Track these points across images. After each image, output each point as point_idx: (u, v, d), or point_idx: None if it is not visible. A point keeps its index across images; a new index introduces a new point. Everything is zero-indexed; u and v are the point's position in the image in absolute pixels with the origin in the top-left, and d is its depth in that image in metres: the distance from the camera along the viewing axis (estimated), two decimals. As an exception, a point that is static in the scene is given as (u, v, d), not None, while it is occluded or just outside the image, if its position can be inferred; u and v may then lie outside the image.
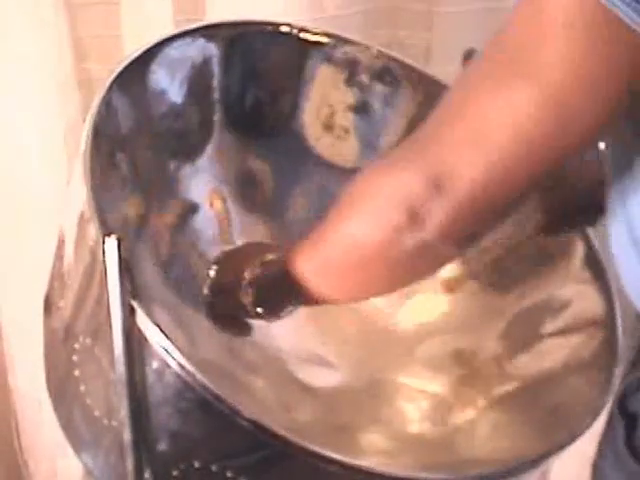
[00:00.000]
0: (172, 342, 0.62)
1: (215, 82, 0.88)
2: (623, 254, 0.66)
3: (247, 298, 0.76)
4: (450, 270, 0.93)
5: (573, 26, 0.55)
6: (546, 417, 0.75)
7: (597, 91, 0.56)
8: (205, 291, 0.81)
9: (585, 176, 0.77)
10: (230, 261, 0.83)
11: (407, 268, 0.67)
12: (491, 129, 0.59)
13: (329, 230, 0.71)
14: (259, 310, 0.77)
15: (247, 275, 0.77)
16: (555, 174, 0.65)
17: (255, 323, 0.82)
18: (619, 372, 0.75)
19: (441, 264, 0.71)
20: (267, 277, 0.77)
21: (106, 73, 0.77)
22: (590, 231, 0.85)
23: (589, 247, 0.85)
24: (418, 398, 0.84)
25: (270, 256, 0.79)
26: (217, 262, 0.83)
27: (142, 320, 0.62)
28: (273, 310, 0.78)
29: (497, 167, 0.59)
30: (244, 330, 0.81)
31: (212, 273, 0.82)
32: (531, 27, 0.57)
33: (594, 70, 0.56)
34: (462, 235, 0.65)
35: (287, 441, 0.61)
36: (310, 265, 0.71)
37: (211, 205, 0.90)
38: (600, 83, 0.56)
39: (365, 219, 0.66)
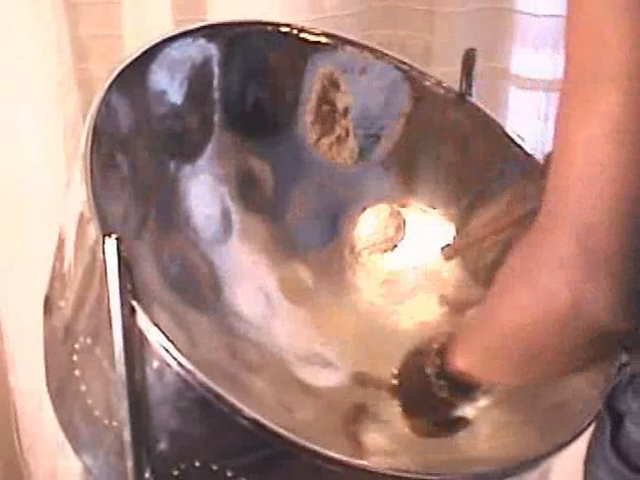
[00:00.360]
0: (172, 342, 0.62)
1: (215, 82, 0.89)
2: None
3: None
4: (450, 270, 0.94)
5: None
6: (546, 417, 0.75)
7: None
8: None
9: None
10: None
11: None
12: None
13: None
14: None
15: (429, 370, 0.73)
16: None
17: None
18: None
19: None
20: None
21: (106, 73, 0.77)
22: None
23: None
24: (418, 398, 0.84)
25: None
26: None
27: (142, 320, 0.62)
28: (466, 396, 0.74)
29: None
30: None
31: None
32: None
33: None
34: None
35: (287, 440, 0.61)
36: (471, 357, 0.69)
37: (211, 205, 0.90)
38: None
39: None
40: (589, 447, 0.74)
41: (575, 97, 0.56)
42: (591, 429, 0.71)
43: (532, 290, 0.59)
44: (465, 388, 0.71)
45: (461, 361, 0.69)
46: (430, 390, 0.72)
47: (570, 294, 0.56)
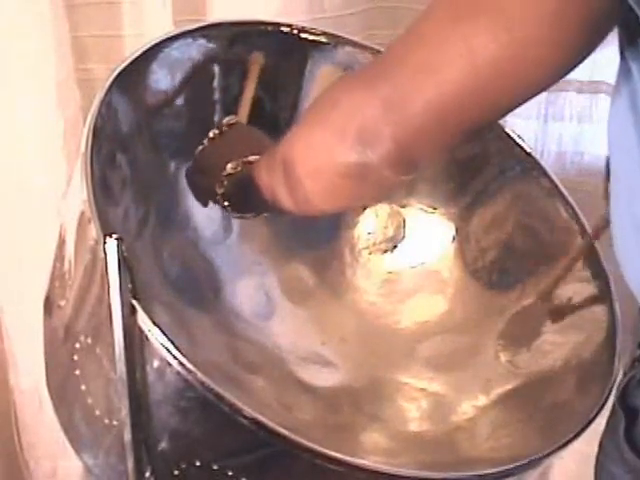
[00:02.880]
0: (172, 341, 0.62)
1: (215, 82, 0.89)
2: (626, 246, 0.66)
3: (220, 189, 0.78)
4: (450, 270, 0.94)
5: None
6: (546, 416, 0.75)
7: (563, 37, 0.56)
8: (191, 164, 0.83)
9: None
10: (220, 145, 0.83)
11: (350, 186, 0.68)
12: (445, 61, 0.59)
13: (291, 139, 0.72)
14: (226, 204, 0.79)
15: (228, 168, 0.78)
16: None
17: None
18: (619, 370, 0.76)
19: (382, 190, 0.71)
20: (239, 177, 0.78)
21: (106, 73, 0.77)
22: (590, 231, 0.86)
23: (589, 246, 0.85)
24: (418, 397, 0.84)
25: (252, 157, 0.79)
26: (210, 140, 0.83)
27: (143, 319, 0.62)
28: (239, 209, 0.80)
29: (448, 98, 0.60)
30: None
31: (201, 148, 0.83)
32: None
33: (560, 14, 0.55)
34: (406, 162, 0.65)
35: (288, 440, 0.61)
36: (271, 173, 0.73)
37: (211, 205, 0.90)
38: (567, 29, 0.56)
39: (321, 130, 0.68)
40: (601, 442, 0.74)
41: (456, 10, 0.59)
42: (591, 428, 0.72)
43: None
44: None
45: (264, 175, 0.74)
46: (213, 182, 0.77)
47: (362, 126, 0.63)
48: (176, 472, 0.66)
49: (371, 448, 0.78)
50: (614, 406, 0.73)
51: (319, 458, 0.61)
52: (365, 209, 0.96)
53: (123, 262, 0.61)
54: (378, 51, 0.94)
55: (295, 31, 0.92)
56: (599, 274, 0.83)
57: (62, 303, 0.74)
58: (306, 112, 0.73)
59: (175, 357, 0.62)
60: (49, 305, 0.78)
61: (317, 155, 0.69)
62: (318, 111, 0.70)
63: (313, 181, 0.70)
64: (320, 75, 0.92)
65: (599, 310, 0.82)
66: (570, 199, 0.88)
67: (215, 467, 0.64)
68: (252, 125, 0.88)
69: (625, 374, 0.74)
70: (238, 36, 0.88)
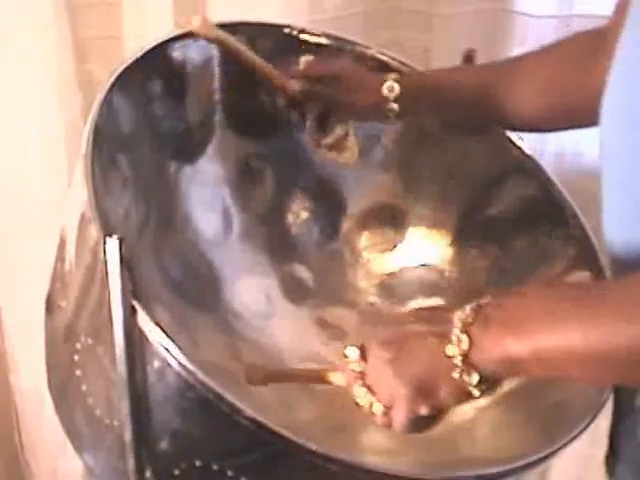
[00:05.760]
0: (173, 341, 0.62)
1: (216, 82, 0.89)
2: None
3: None
4: (450, 270, 0.94)
5: None
6: (546, 416, 0.75)
7: None
8: None
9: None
10: None
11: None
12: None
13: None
14: None
15: None
16: None
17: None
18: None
19: None
20: None
21: (107, 74, 0.77)
22: (590, 231, 0.86)
23: (588, 246, 0.85)
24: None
25: None
26: None
27: (143, 320, 0.63)
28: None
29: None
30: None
31: None
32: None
33: None
34: None
35: (288, 440, 0.61)
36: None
37: (212, 205, 0.91)
38: None
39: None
40: (610, 444, 0.73)
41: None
42: (590, 428, 0.71)
43: None
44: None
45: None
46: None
47: None
48: (176, 472, 0.66)
49: (371, 448, 0.78)
50: (620, 404, 0.72)
51: (319, 458, 0.61)
52: (365, 209, 0.97)
53: (124, 262, 0.61)
54: (378, 51, 0.94)
55: (295, 31, 0.92)
56: (598, 274, 0.83)
57: (63, 303, 0.74)
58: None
59: (175, 357, 0.62)
60: (50, 305, 0.78)
61: None
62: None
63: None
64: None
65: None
66: (570, 199, 0.89)
67: (215, 467, 0.64)
68: (250, 124, 0.89)
69: None
70: (238, 36, 0.88)
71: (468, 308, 0.60)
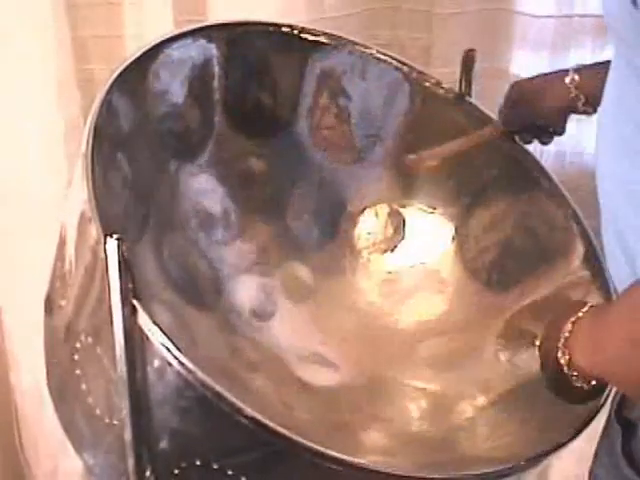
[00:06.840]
0: (173, 341, 0.62)
1: (216, 82, 0.89)
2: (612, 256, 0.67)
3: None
4: (450, 270, 0.94)
5: None
6: (545, 415, 0.75)
7: None
8: None
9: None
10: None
11: None
12: None
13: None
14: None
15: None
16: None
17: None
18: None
19: None
20: None
21: (107, 74, 0.77)
22: (590, 231, 0.86)
23: (588, 246, 0.85)
24: (418, 397, 0.84)
25: None
26: None
27: (143, 319, 0.63)
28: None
29: None
30: None
31: None
32: None
33: None
34: None
35: (288, 439, 0.61)
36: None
37: (212, 205, 0.91)
38: None
39: None
40: (596, 454, 0.74)
41: None
42: (590, 428, 0.72)
43: None
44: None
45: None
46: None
47: None
48: (176, 471, 0.66)
49: (371, 448, 0.78)
50: (610, 417, 0.72)
51: (319, 458, 0.61)
52: (365, 209, 0.97)
53: (123, 262, 0.61)
54: (378, 52, 0.94)
55: (295, 31, 0.92)
56: (598, 274, 0.83)
57: (63, 303, 0.74)
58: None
59: (175, 357, 0.62)
60: (50, 305, 0.78)
61: None
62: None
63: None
64: (320, 75, 0.92)
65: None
66: (570, 199, 0.89)
67: (215, 466, 0.64)
68: (250, 124, 0.89)
69: None
70: (238, 36, 0.88)
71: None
